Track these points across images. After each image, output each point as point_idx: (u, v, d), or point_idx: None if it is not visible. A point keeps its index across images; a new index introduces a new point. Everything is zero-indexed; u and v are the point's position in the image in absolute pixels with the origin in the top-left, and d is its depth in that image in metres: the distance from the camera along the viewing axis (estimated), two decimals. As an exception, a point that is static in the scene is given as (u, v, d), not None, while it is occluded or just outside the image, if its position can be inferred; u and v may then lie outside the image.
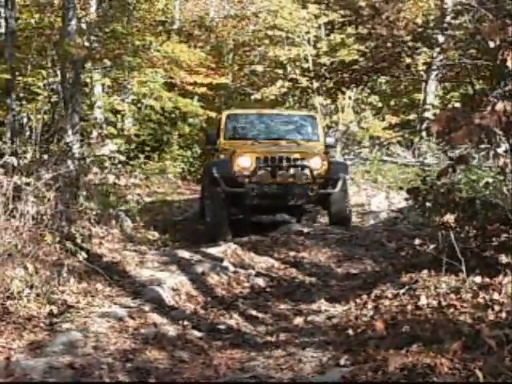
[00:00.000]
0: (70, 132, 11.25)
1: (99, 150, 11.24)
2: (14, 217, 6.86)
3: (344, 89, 8.87)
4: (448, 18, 7.72)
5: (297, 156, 10.45)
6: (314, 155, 10.54)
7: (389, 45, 7.44)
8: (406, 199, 7.86)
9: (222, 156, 11.01)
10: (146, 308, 6.40)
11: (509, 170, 6.72)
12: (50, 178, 7.61)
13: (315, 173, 10.30)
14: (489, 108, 4.96)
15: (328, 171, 10.45)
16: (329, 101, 19.21)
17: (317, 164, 10.40)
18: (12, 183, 6.97)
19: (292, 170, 10.33)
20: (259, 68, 22.67)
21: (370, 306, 6.19)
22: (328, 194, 10.44)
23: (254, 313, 6.74)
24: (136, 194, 10.52)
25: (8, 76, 9.99)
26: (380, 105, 21.62)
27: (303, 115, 13.06)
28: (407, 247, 7.78)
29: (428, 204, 6.95)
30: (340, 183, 10.44)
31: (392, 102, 22.81)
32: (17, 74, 11.24)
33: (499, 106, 4.93)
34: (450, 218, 6.29)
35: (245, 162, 10.33)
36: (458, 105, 16.17)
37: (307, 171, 10.30)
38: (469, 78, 7.14)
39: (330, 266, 8.75)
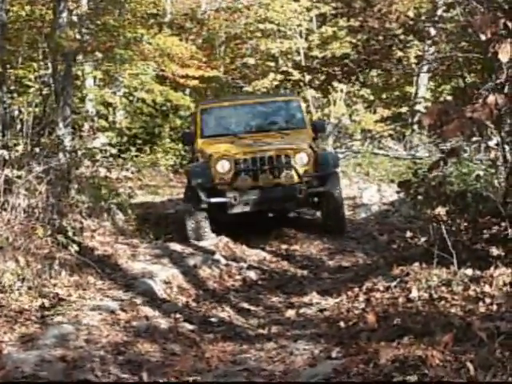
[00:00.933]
0: (61, 125, 11.23)
1: (91, 143, 11.24)
2: (5, 210, 6.85)
3: (335, 83, 8.85)
4: (440, 11, 7.73)
5: (279, 153, 9.42)
6: (299, 150, 9.49)
7: (380, 38, 7.43)
8: (398, 192, 7.86)
9: (200, 159, 10.11)
10: (138, 301, 6.40)
11: (500, 163, 6.75)
12: (42, 171, 7.60)
13: (302, 170, 9.40)
14: (480, 101, 4.97)
15: (316, 166, 9.49)
16: (320, 94, 19.26)
17: (303, 160, 9.43)
18: (3, 176, 6.95)
19: (276, 171, 9.38)
20: (251, 61, 22.63)
21: (361, 298, 6.20)
22: (318, 192, 9.52)
23: (245, 305, 6.75)
24: (128, 186, 10.51)
25: (-1, 69, 9.95)
26: (372, 98, 21.63)
27: (285, 100, 11.57)
28: (399, 240, 7.79)
29: (419, 197, 6.96)
30: (330, 179, 9.55)
31: (384, 95, 22.82)
32: (8, 66, 11.18)
33: (490, 99, 4.94)
34: (441, 210, 6.31)
35: (223, 168, 9.40)
36: (449, 98, 16.20)
37: (292, 170, 9.36)
38: (460, 71, 7.14)
39: (321, 258, 8.77)
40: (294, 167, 9.39)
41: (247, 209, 9.39)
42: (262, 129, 10.55)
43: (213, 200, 9.33)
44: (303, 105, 11.45)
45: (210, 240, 9.34)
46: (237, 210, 9.38)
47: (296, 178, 9.39)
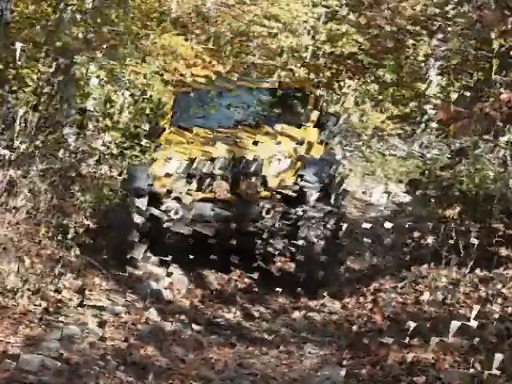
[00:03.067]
0: (65, 124, 11.18)
1: (94, 143, 11.18)
2: (8, 210, 6.80)
3: (343, 80, 8.78)
4: (449, 7, 7.68)
5: (250, 156, 7.19)
6: (277, 155, 7.28)
7: (389, 31, 7.36)
8: (407, 192, 7.81)
9: None
10: (143, 303, 6.34)
11: (510, 162, 6.71)
12: (45, 171, 7.56)
13: (275, 181, 7.13)
14: (491, 98, 4.93)
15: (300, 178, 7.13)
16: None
17: (280, 167, 7.22)
18: (7, 176, 6.92)
19: (237, 178, 7.16)
20: (257, 58, 22.61)
21: (369, 299, 6.18)
22: (294, 216, 7.09)
23: (252, 307, 6.69)
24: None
25: (1, 67, 9.92)
26: (380, 96, 21.57)
27: (290, 88, 8.87)
28: (407, 240, 7.73)
29: (428, 196, 6.92)
30: (311, 197, 7.03)
31: (392, 93, 22.75)
32: (10, 65, 11.16)
33: (503, 96, 4.91)
34: (451, 210, 6.26)
35: (168, 168, 7.32)
36: (460, 95, 16.13)
37: (260, 179, 7.11)
38: (471, 68, 7.09)
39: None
40: (262, 175, 7.16)
41: (189, 229, 7.18)
42: (248, 122, 8.18)
43: (149, 211, 7.34)
44: (313, 97, 8.67)
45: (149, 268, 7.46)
46: (176, 228, 7.26)
47: (264, 191, 7.16)
